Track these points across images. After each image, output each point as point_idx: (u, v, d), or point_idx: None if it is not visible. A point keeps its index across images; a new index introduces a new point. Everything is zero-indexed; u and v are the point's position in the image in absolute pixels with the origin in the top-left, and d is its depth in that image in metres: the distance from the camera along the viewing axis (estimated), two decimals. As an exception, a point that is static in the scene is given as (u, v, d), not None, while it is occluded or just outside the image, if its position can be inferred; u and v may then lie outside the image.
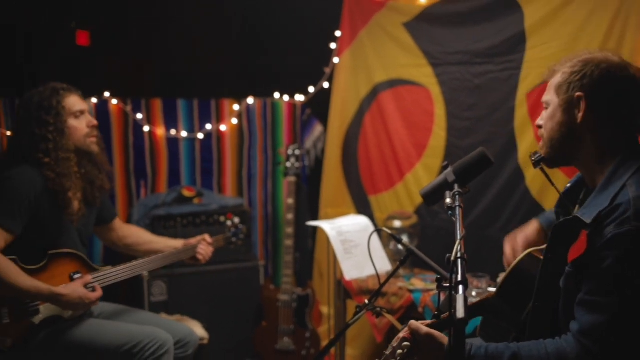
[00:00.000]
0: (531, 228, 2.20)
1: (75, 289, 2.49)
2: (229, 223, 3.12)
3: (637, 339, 1.56)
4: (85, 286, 2.53)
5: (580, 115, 1.70)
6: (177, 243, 2.98)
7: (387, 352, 1.76)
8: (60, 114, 2.61)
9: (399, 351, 1.74)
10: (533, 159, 1.83)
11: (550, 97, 1.78)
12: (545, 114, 1.81)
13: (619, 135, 1.70)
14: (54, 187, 2.56)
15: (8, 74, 4.23)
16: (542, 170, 1.86)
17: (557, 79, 1.76)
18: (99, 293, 2.57)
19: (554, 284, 1.73)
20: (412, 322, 1.79)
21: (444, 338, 1.73)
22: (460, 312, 1.35)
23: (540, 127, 1.83)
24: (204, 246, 2.97)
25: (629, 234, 1.54)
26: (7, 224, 2.43)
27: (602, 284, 1.57)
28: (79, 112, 2.67)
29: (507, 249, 2.20)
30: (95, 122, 2.72)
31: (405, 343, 1.75)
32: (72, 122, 2.65)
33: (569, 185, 1.91)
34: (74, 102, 2.67)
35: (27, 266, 2.47)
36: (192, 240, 2.98)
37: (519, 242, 2.18)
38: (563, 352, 1.59)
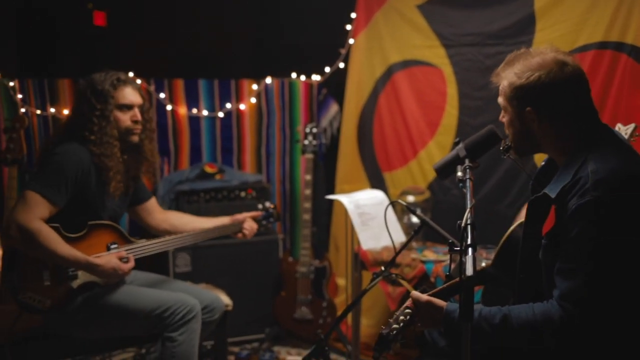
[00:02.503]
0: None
1: (109, 259, 2.65)
2: (259, 206, 3.24)
3: (612, 298, 1.72)
4: (120, 258, 2.70)
5: (535, 124, 1.86)
6: (221, 220, 3.10)
7: (391, 320, 1.95)
8: (108, 102, 2.75)
9: (401, 317, 1.94)
10: (502, 147, 2.00)
11: (504, 103, 1.94)
12: (505, 118, 1.96)
13: (575, 124, 1.85)
14: (98, 163, 2.72)
15: (35, 56, 4.40)
16: (510, 157, 2.01)
17: (505, 88, 1.90)
18: (131, 264, 2.72)
19: (535, 257, 1.88)
20: (413, 292, 1.98)
21: (442, 303, 1.92)
22: (469, 271, 1.52)
23: (504, 123, 1.99)
24: (250, 222, 3.11)
25: (590, 203, 1.69)
26: (52, 197, 2.58)
27: (573, 252, 1.73)
28: (125, 106, 2.80)
29: None
30: (138, 117, 2.83)
31: (407, 310, 1.95)
32: (117, 112, 2.78)
33: (543, 163, 2.07)
34: (125, 94, 2.79)
35: (69, 234, 2.64)
36: (239, 216, 3.10)
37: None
38: (548, 313, 1.75)
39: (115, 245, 2.74)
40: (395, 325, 1.90)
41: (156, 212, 3.14)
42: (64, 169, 2.63)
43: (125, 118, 2.81)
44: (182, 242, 2.98)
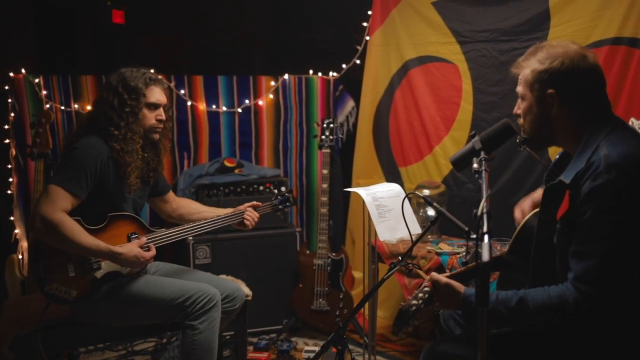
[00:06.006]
0: (538, 192, 2.43)
1: (131, 248, 2.72)
2: (275, 191, 3.28)
3: (625, 279, 1.78)
4: (141, 247, 2.78)
5: (555, 109, 1.93)
6: (226, 210, 3.17)
7: (410, 297, 2.02)
8: (139, 100, 2.82)
9: (420, 294, 2.00)
10: (518, 140, 2.07)
11: (523, 91, 2.00)
12: (522, 106, 2.02)
13: (589, 113, 1.92)
14: (117, 158, 2.78)
15: (55, 53, 4.51)
16: (526, 149, 2.09)
17: (527, 75, 1.97)
18: (152, 252, 2.79)
19: (550, 242, 1.95)
20: (433, 273, 2.06)
21: (460, 286, 1.99)
22: (485, 257, 1.58)
23: (518, 115, 2.05)
24: (250, 212, 3.14)
25: (603, 186, 1.76)
26: (74, 190, 2.65)
27: (587, 234, 1.79)
28: (153, 105, 2.87)
29: (516, 212, 2.42)
30: (163, 117, 2.92)
31: (427, 289, 2.01)
32: (145, 110, 2.86)
33: (557, 157, 2.13)
34: (153, 93, 2.87)
35: (90, 226, 2.72)
36: (240, 207, 3.16)
37: (526, 204, 2.40)
38: (563, 296, 1.81)
39: (135, 235, 2.82)
40: (414, 302, 1.97)
41: (170, 203, 3.24)
42: (83, 162, 2.70)
43: (151, 116, 2.88)
44: (198, 230, 3.05)
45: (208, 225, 3.06)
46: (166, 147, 3.08)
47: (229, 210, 3.17)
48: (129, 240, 2.81)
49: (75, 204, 2.68)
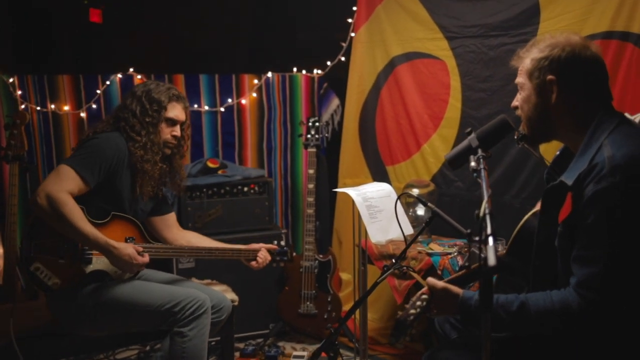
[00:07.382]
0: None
1: (126, 247, 2.67)
2: (275, 242, 3.23)
3: (630, 284, 1.71)
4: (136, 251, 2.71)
5: (554, 96, 1.86)
6: (239, 246, 3.10)
7: (408, 305, 1.94)
8: (160, 113, 2.87)
9: (418, 302, 1.92)
10: (516, 136, 2.00)
11: (523, 80, 1.93)
12: (520, 97, 1.96)
13: (590, 106, 1.85)
14: (135, 163, 2.79)
15: (31, 52, 4.37)
16: (524, 146, 2.02)
17: (527, 65, 1.91)
18: (146, 259, 2.74)
19: (551, 244, 1.87)
20: (429, 278, 1.98)
21: (458, 290, 1.91)
22: (491, 261, 1.49)
23: (516, 108, 1.99)
24: (264, 253, 3.08)
25: (607, 189, 1.68)
26: (85, 174, 2.64)
27: (590, 239, 1.72)
28: (171, 121, 2.92)
29: None
30: (178, 134, 2.96)
31: (424, 296, 1.93)
32: (162, 124, 2.90)
33: (558, 153, 2.06)
34: (173, 109, 2.92)
35: (92, 219, 2.69)
36: (255, 245, 3.11)
37: None
38: (566, 302, 1.74)
39: (132, 240, 2.80)
40: (412, 311, 1.89)
41: (175, 227, 3.17)
42: (100, 152, 2.71)
43: (167, 131, 2.92)
44: (196, 254, 3.07)
45: (218, 253, 3.04)
46: (181, 165, 3.08)
47: (240, 247, 3.11)
48: (125, 242, 2.76)
49: (82, 189, 2.67)
